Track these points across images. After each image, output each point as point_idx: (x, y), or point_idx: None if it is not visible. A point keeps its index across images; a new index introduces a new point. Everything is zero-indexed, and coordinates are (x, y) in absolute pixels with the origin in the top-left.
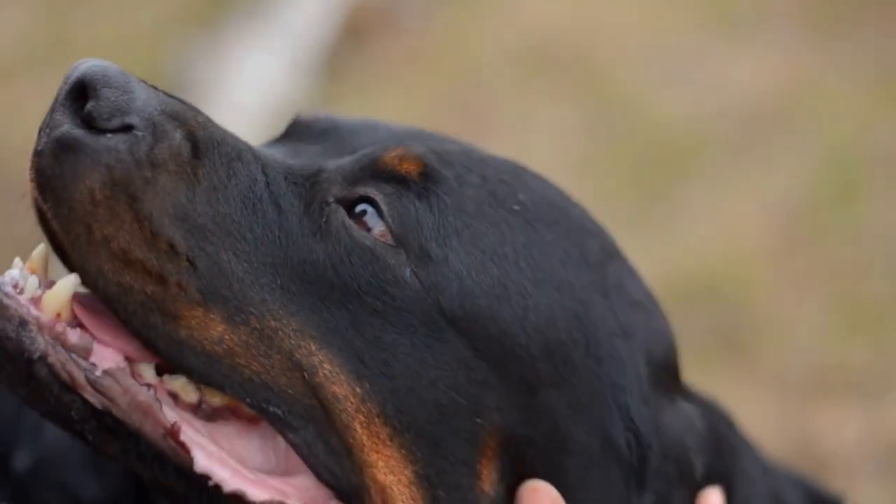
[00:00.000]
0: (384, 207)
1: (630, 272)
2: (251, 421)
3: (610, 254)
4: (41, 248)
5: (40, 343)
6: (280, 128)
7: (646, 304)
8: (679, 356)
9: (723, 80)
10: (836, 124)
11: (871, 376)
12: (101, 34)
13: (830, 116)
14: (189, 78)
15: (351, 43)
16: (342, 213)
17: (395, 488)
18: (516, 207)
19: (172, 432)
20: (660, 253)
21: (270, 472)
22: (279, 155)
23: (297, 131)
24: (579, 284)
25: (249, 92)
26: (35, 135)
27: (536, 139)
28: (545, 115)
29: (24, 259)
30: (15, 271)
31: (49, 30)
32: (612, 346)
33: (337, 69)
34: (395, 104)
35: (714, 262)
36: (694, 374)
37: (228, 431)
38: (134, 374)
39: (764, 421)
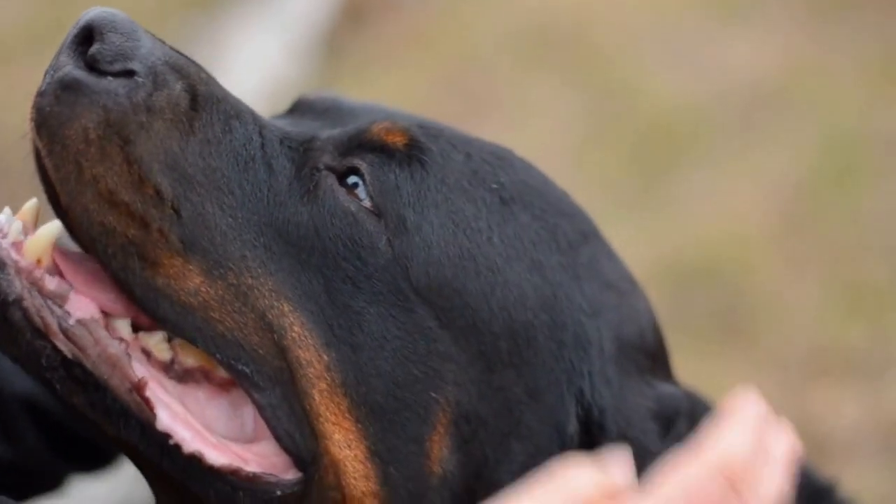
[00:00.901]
0: (367, 176)
1: (607, 254)
2: (222, 386)
3: (585, 236)
4: (33, 202)
5: (17, 286)
6: (279, 109)
7: (620, 286)
8: (662, 341)
9: (722, 62)
10: (836, 107)
11: (869, 358)
12: None
13: (830, 99)
14: None
15: (350, 25)
16: (332, 179)
17: (348, 463)
18: (495, 186)
19: (138, 387)
20: (659, 235)
21: (235, 440)
22: (280, 123)
23: (300, 108)
24: (549, 265)
25: (249, 74)
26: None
27: (535, 121)
28: (544, 98)
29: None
30: (1, 217)
31: (49, 13)
32: (577, 326)
33: (336, 51)
34: (394, 86)
35: (713, 244)
36: (693, 356)
37: (199, 395)
38: (108, 328)
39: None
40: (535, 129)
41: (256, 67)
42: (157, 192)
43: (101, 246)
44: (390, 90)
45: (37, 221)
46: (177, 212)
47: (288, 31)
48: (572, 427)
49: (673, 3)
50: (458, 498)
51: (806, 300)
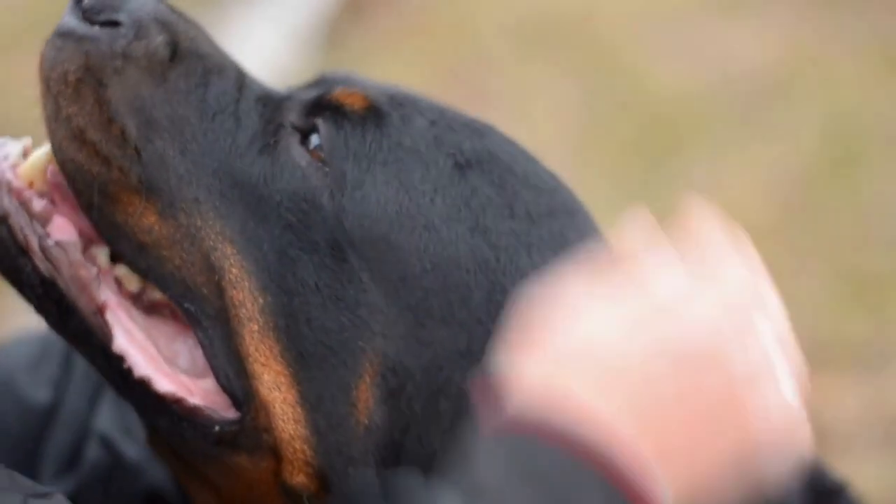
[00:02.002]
0: (322, 132)
1: (580, 234)
2: (187, 325)
3: (552, 211)
4: None
5: (6, 204)
6: None
7: None
8: None
9: (724, 52)
10: (837, 97)
11: (870, 349)
12: None
13: (831, 89)
14: None
15: (350, 15)
16: (295, 136)
17: (278, 406)
18: (452, 151)
19: (100, 309)
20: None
21: (189, 374)
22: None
23: (314, 82)
24: (497, 230)
25: (249, 64)
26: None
27: (536, 111)
28: (545, 87)
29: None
30: (11, 142)
31: (48, 2)
32: (519, 293)
33: (336, 41)
34: (395, 76)
35: None
36: None
37: (165, 329)
38: (88, 253)
39: None
40: (536, 118)
41: (257, 58)
42: (122, 133)
43: (72, 181)
44: (390, 80)
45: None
46: (138, 153)
47: (288, 22)
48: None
49: None
50: (385, 449)
51: (806, 291)
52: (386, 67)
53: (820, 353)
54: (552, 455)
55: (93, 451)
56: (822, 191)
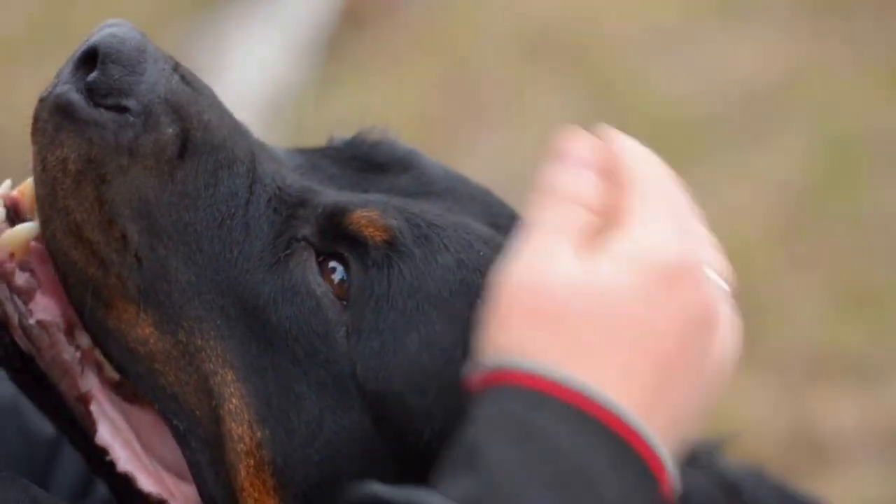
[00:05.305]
0: (352, 269)
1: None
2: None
3: None
4: (29, 182)
5: None
6: (277, 114)
7: None
8: None
9: (723, 64)
10: (837, 108)
11: (870, 360)
12: (102, 19)
13: (831, 100)
14: (189, 64)
15: (350, 27)
16: (310, 254)
17: None
18: (480, 302)
19: (84, 399)
20: None
21: (175, 469)
22: (294, 171)
23: (352, 148)
24: None
25: (249, 76)
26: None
27: (535, 124)
28: (544, 100)
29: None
30: None
31: (51, 14)
32: None
33: (336, 53)
34: (394, 88)
35: None
36: None
37: (146, 418)
38: (70, 332)
39: (763, 405)
40: (534, 131)
41: (257, 70)
42: (123, 238)
43: (62, 274)
44: (390, 93)
45: (34, 201)
46: (139, 261)
47: (288, 34)
48: None
49: (673, 6)
50: None
51: (807, 302)
52: (385, 80)
53: (820, 365)
54: (536, 400)
55: (104, 487)
56: (823, 203)
